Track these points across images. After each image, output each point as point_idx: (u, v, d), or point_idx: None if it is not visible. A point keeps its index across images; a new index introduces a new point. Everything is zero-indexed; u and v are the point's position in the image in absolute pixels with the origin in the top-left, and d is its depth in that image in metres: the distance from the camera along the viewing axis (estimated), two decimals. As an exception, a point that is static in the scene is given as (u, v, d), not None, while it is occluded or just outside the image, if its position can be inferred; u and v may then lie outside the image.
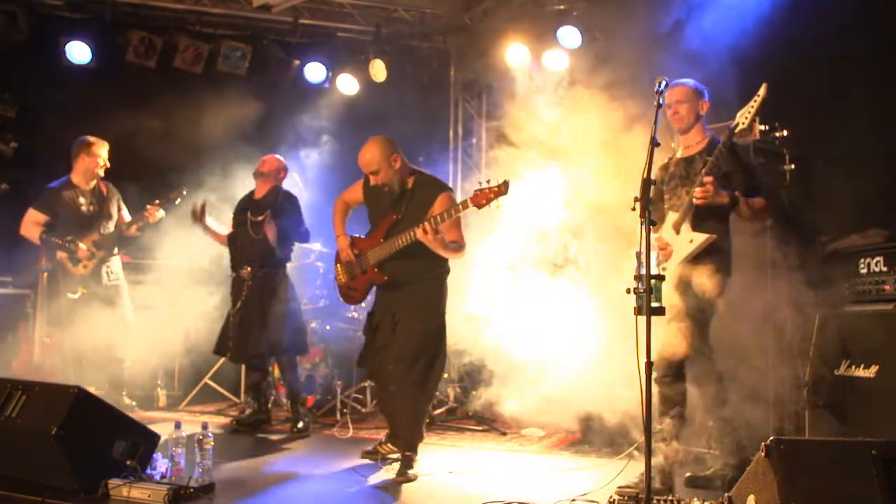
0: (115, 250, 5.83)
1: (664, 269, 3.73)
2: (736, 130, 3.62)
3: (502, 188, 3.97)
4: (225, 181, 6.34)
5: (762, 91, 3.58)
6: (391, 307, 4.34)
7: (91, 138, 5.76)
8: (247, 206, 5.55)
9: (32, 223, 5.64)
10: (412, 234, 4.06)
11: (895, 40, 4.61)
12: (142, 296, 6.28)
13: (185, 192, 5.80)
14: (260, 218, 5.42)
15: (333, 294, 6.54)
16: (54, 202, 5.67)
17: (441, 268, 4.35)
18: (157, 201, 5.73)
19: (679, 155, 4.02)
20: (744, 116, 3.61)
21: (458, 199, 4.32)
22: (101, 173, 5.78)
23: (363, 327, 4.68)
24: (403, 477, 4.08)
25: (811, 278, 4.36)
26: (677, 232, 3.81)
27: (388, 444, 4.50)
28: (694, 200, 3.66)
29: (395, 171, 4.23)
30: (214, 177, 6.36)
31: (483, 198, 3.99)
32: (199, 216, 5.52)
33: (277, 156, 5.68)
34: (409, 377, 4.19)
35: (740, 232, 4.51)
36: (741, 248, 4.40)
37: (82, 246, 5.59)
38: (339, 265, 4.53)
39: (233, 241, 5.59)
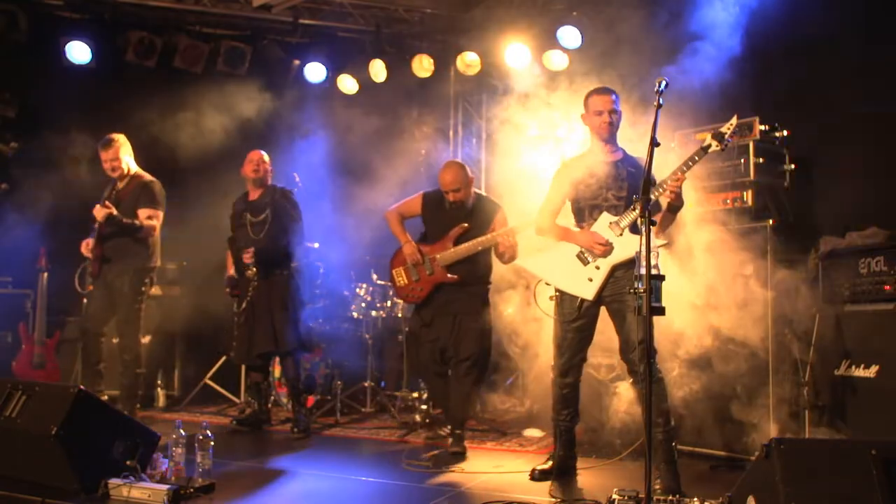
0: (127, 253, 5.52)
1: (597, 267, 3.95)
2: (709, 150, 3.71)
3: None
4: (225, 181, 6.34)
5: (734, 120, 3.72)
6: (451, 307, 4.85)
7: (106, 137, 5.58)
8: (244, 208, 5.56)
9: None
10: (493, 239, 4.72)
11: (895, 40, 4.61)
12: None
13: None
14: (260, 218, 5.44)
15: (333, 294, 6.57)
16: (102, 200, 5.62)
17: (490, 273, 4.97)
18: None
19: (596, 158, 4.08)
20: (716, 140, 3.69)
21: None
22: (119, 172, 5.56)
23: (411, 322, 5.21)
24: (458, 448, 4.73)
25: (811, 278, 4.36)
26: (618, 234, 3.93)
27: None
28: (666, 191, 3.71)
29: (471, 190, 4.89)
30: (214, 177, 6.36)
31: None
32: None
33: (262, 152, 5.63)
34: (470, 369, 4.78)
35: (740, 232, 4.52)
36: (741, 248, 4.41)
37: (83, 244, 5.53)
38: (400, 269, 5.01)
39: (234, 244, 5.60)
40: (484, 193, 5.10)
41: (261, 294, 5.42)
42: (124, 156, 5.62)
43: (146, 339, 6.44)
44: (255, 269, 5.43)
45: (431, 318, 4.92)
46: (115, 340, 5.74)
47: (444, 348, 4.87)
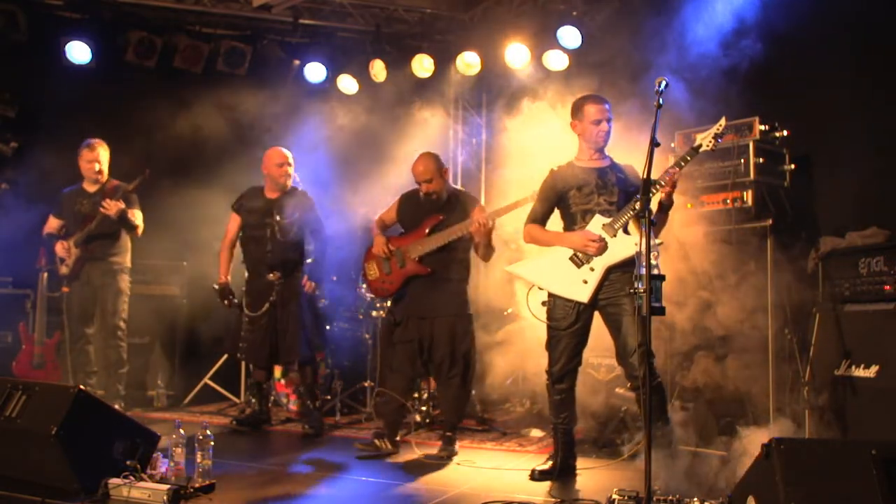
0: (114, 252, 5.77)
1: (592, 269, 3.94)
2: (699, 151, 3.73)
3: None
4: (224, 181, 6.33)
5: (723, 121, 3.72)
6: (424, 309, 4.70)
7: (88, 141, 5.80)
8: (267, 206, 5.38)
9: (48, 227, 5.84)
10: (466, 226, 4.54)
11: (894, 39, 4.61)
12: (142, 296, 6.29)
13: (147, 174, 5.55)
14: (288, 221, 5.32)
15: (333, 295, 6.55)
16: (63, 206, 5.83)
17: (468, 269, 4.80)
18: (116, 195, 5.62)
19: (585, 165, 4.10)
20: (706, 140, 3.72)
21: None
22: (98, 176, 5.76)
23: (385, 321, 4.99)
24: (447, 452, 4.62)
25: (811, 278, 4.36)
26: (612, 235, 3.92)
27: (385, 440, 4.71)
28: (661, 187, 3.73)
29: (444, 181, 4.76)
30: (214, 177, 6.36)
31: None
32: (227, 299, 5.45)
33: (287, 152, 5.48)
34: (451, 373, 4.66)
35: (741, 232, 4.53)
36: (741, 248, 4.41)
37: (58, 246, 5.68)
38: (372, 262, 4.92)
39: (253, 244, 5.43)
40: (462, 189, 4.96)
41: (285, 298, 5.31)
42: (105, 160, 5.83)
43: (146, 340, 6.45)
44: (278, 273, 5.31)
45: (405, 318, 4.75)
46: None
47: (420, 351, 4.70)
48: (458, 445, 4.79)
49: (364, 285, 4.96)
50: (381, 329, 4.94)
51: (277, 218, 5.32)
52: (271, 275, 5.32)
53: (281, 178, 5.37)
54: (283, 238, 5.30)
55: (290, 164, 5.42)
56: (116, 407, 5.54)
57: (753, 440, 4.07)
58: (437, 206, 4.75)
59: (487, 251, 4.68)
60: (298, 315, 5.30)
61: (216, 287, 5.45)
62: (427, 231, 4.70)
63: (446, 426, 4.80)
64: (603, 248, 3.91)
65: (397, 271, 4.78)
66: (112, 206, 5.52)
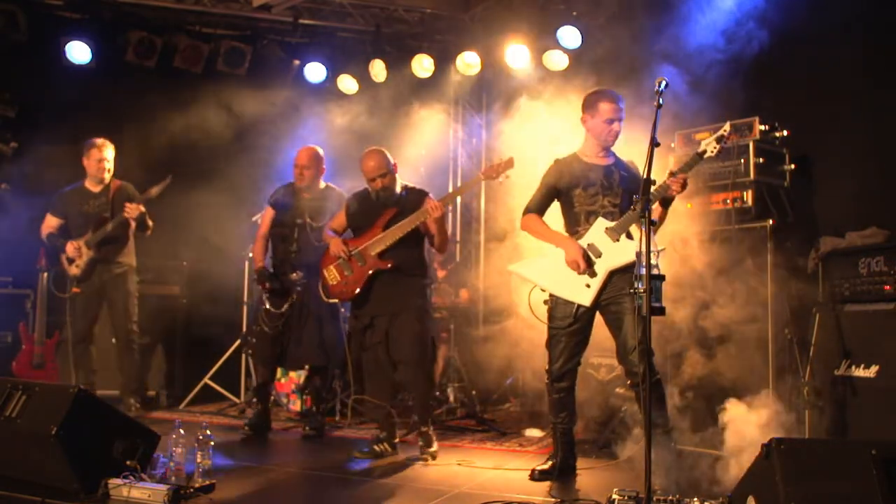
0: (123, 253, 5.78)
1: (595, 273, 3.96)
2: (704, 157, 3.75)
3: (509, 163, 4.55)
4: (224, 181, 6.33)
5: (727, 127, 3.74)
6: (387, 306, 4.64)
7: (95, 140, 5.78)
8: (298, 205, 5.32)
9: (47, 227, 5.81)
10: (423, 213, 4.51)
11: (895, 39, 4.61)
12: (143, 295, 6.28)
13: (169, 179, 5.61)
14: (321, 224, 5.24)
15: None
16: (63, 205, 5.81)
17: (426, 265, 4.83)
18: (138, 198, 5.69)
19: (591, 161, 4.10)
20: (710, 146, 3.74)
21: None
22: (105, 175, 5.77)
23: (349, 325, 4.95)
24: (428, 452, 4.57)
25: (811, 278, 4.36)
26: (615, 239, 3.94)
27: (385, 444, 4.68)
28: (671, 189, 3.76)
29: (395, 176, 4.72)
30: (214, 177, 6.36)
31: (493, 171, 4.58)
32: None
33: (305, 149, 5.42)
34: (419, 370, 4.60)
35: (740, 232, 4.52)
36: (741, 249, 4.41)
37: (69, 246, 5.66)
38: (330, 266, 4.78)
39: (281, 241, 5.38)
40: (412, 185, 4.86)
41: (305, 301, 5.25)
42: (112, 159, 5.83)
43: (146, 340, 6.45)
44: (301, 273, 5.25)
45: (371, 319, 4.69)
46: (113, 341, 5.89)
47: (389, 348, 4.66)
48: (436, 444, 4.66)
49: (323, 292, 4.84)
50: (350, 335, 4.86)
51: (308, 220, 5.29)
52: (294, 274, 5.27)
53: (296, 180, 5.38)
54: (317, 242, 5.20)
55: (306, 167, 5.33)
56: (132, 401, 5.69)
57: (753, 440, 4.08)
58: (390, 201, 4.70)
59: (442, 240, 4.70)
60: (321, 319, 5.27)
61: (256, 270, 5.47)
62: (384, 225, 4.63)
63: (420, 423, 4.71)
64: (581, 272, 3.94)
65: (359, 270, 4.66)
66: (134, 210, 5.57)
